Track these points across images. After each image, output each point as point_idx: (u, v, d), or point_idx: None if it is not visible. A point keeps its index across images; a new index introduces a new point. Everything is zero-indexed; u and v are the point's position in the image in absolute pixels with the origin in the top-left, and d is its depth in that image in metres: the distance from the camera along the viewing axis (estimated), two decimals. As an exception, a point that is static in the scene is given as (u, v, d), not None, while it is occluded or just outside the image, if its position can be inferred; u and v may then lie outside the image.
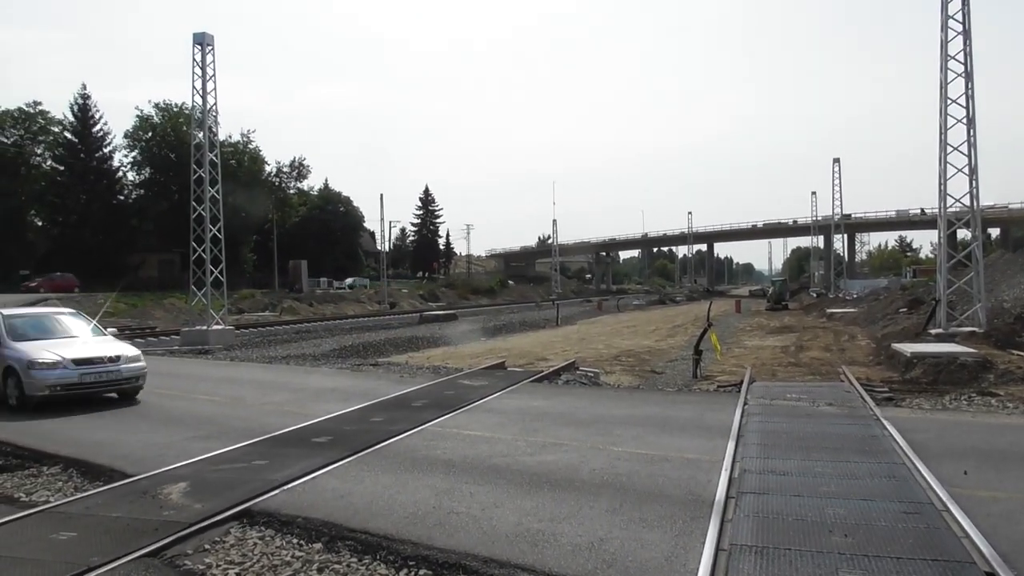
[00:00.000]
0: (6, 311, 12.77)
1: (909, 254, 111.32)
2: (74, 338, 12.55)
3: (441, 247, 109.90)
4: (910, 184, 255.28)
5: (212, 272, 26.68)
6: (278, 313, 45.12)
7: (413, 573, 5.01)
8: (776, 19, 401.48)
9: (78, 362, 11.44)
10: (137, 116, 61.25)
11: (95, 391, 11.74)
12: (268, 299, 50.66)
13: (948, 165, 19.60)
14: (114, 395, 12.14)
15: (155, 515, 6.10)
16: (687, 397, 12.73)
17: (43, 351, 11.46)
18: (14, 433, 9.70)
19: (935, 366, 14.15)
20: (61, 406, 11.24)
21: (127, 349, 12.45)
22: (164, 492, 6.73)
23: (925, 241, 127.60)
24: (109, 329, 14.72)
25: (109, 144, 59.54)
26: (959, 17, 19.28)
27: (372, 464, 7.68)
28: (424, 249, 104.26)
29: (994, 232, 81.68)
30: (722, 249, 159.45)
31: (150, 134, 60.71)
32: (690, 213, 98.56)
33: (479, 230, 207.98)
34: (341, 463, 7.67)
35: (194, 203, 26.92)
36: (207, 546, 5.56)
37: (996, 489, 6.45)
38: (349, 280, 66.29)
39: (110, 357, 11.87)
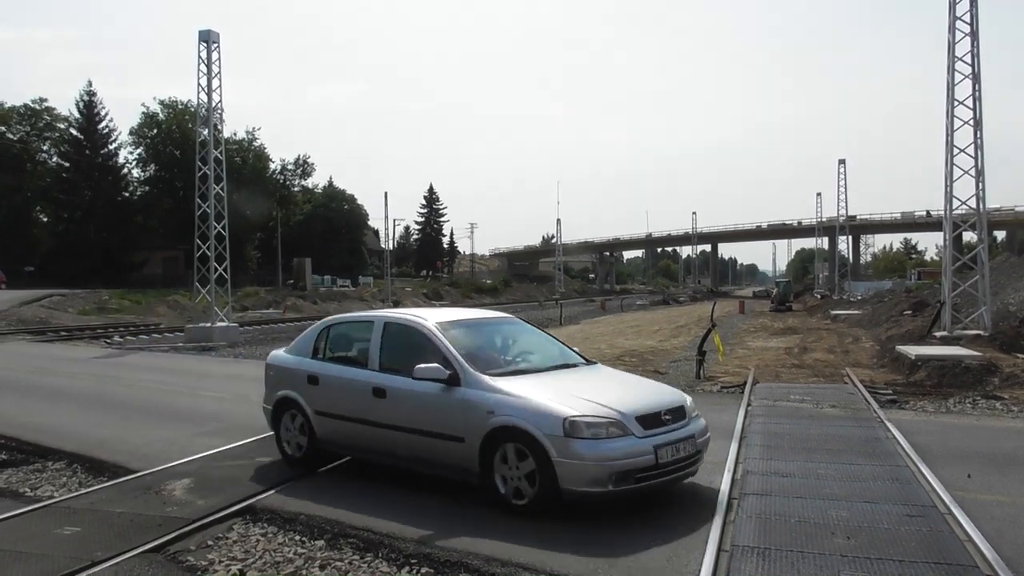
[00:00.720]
0: (439, 316, 7.13)
1: (914, 256, 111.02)
2: (567, 369, 6.90)
3: (445, 246, 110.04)
4: (916, 186, 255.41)
5: (216, 269, 26.72)
6: (282, 311, 45.14)
7: (415, 571, 5.02)
8: (782, 21, 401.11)
9: (645, 421, 5.83)
10: (142, 113, 61.51)
11: (669, 481, 5.92)
12: (272, 296, 50.73)
13: (954, 167, 19.55)
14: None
15: (158, 511, 6.13)
16: (690, 398, 12.69)
17: (572, 398, 5.83)
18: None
19: (939, 369, 14.09)
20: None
21: (673, 392, 6.74)
22: (168, 488, 6.75)
23: (930, 243, 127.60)
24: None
25: (114, 141, 59.85)
26: (967, 19, 19.20)
27: (375, 461, 7.68)
28: (428, 247, 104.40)
29: (1000, 235, 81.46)
30: (726, 250, 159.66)
31: (155, 131, 60.89)
32: (694, 213, 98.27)
33: (483, 229, 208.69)
34: (345, 459, 7.67)
35: (199, 200, 26.94)
36: (210, 542, 5.58)
37: (1000, 493, 6.44)
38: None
39: (675, 409, 6.18)
